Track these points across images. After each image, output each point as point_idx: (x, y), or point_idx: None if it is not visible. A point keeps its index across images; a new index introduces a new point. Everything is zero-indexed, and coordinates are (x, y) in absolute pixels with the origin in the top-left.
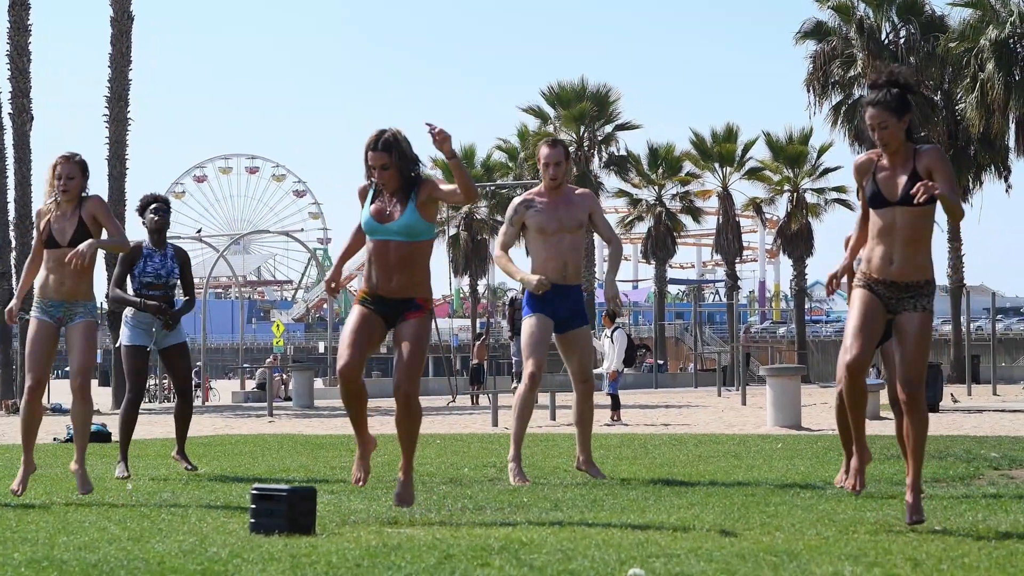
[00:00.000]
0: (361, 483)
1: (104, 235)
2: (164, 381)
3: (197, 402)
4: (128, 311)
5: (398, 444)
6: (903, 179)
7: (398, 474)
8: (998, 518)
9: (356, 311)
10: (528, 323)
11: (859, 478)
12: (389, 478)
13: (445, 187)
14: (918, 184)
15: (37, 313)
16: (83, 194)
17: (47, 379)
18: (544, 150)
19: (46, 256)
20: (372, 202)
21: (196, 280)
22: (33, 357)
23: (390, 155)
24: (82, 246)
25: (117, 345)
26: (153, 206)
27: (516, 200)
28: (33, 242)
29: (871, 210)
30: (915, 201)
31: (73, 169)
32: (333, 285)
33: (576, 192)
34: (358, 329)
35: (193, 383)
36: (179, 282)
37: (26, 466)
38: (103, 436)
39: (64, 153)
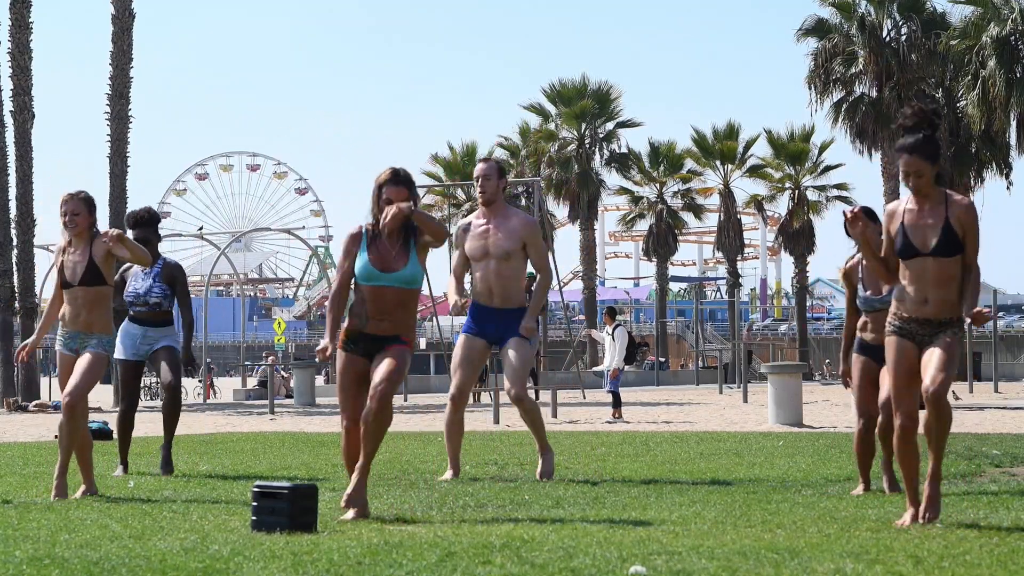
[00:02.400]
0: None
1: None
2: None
3: (198, 400)
4: (120, 329)
5: (397, 442)
6: (936, 231)
7: (355, 475)
8: (999, 515)
9: (342, 359)
10: (457, 342)
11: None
12: (390, 476)
13: (425, 236)
14: (973, 315)
15: (60, 346)
16: (94, 230)
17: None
18: (478, 166)
19: (63, 294)
20: (366, 249)
21: (197, 278)
22: (63, 387)
23: (410, 190)
24: (113, 231)
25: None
26: (134, 231)
27: (460, 223)
28: (53, 283)
29: (902, 260)
30: (973, 323)
31: (78, 205)
32: (328, 352)
33: (515, 219)
34: (355, 383)
35: (182, 383)
36: (164, 300)
37: (87, 486)
38: (104, 434)
39: (70, 191)
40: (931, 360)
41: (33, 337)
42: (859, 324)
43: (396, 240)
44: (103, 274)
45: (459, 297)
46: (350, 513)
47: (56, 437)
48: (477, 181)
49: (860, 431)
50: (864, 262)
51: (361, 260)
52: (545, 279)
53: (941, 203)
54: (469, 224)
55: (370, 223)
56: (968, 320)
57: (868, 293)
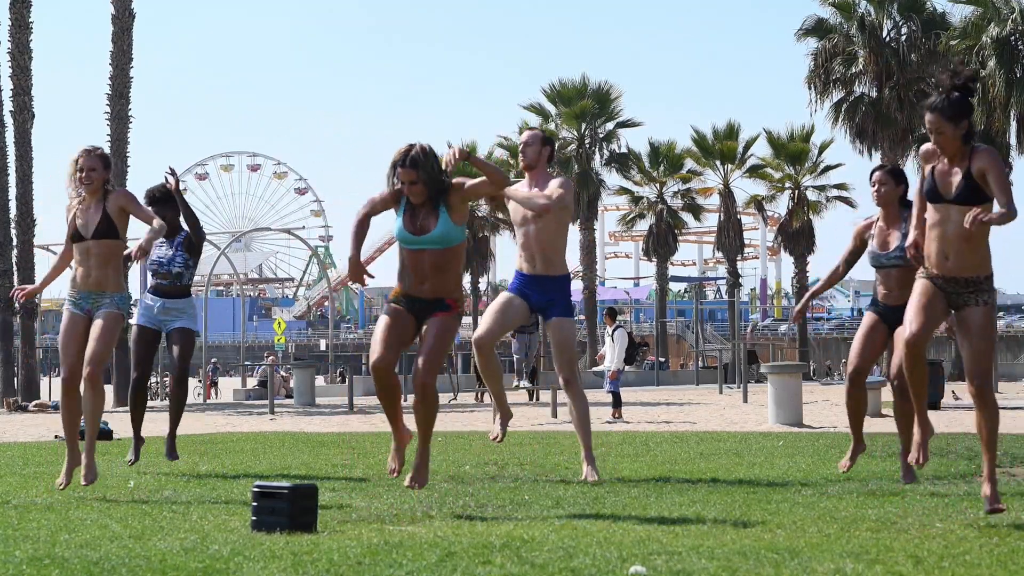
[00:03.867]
0: (395, 474)
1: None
2: (165, 379)
3: (199, 400)
4: (141, 298)
5: (388, 417)
6: (958, 178)
7: (414, 457)
8: (1000, 515)
9: (389, 309)
10: (498, 297)
11: (923, 451)
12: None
13: (472, 182)
14: (968, 215)
15: (68, 305)
16: (107, 187)
17: (80, 371)
18: (523, 134)
19: (74, 250)
20: (404, 211)
21: (198, 278)
22: (65, 350)
23: (417, 171)
24: (143, 244)
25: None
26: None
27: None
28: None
29: (929, 204)
30: (968, 227)
31: (95, 162)
32: (354, 279)
33: (553, 180)
34: (390, 327)
35: (188, 375)
36: (186, 271)
37: (70, 460)
38: (105, 434)
39: (85, 147)
40: (969, 347)
41: (35, 284)
42: (875, 286)
43: (423, 207)
44: (116, 228)
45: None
46: (408, 479)
47: (57, 437)
48: (520, 148)
49: (848, 388)
50: (877, 220)
51: (397, 223)
52: (544, 193)
53: (967, 157)
54: (515, 191)
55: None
56: (972, 215)
57: (877, 248)
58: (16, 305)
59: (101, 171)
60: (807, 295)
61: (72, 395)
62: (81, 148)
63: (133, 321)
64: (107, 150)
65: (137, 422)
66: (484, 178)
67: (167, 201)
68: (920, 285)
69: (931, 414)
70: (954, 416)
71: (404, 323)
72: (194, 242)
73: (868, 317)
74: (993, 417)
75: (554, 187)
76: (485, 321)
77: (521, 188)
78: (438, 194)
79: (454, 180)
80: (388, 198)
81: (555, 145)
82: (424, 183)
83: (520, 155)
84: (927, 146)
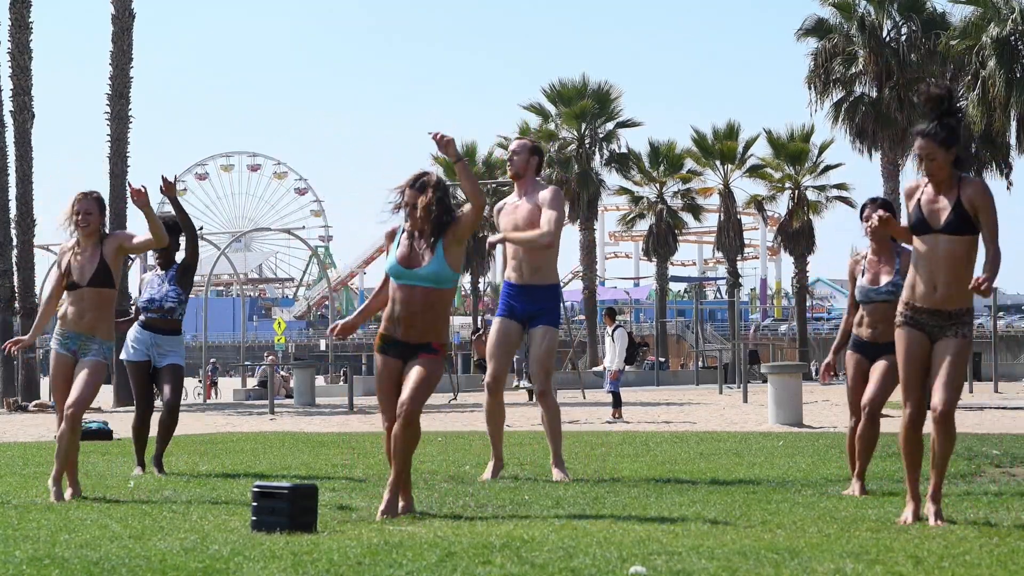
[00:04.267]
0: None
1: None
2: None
3: (199, 400)
4: (131, 332)
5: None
6: (947, 207)
7: (385, 489)
8: (999, 515)
9: (379, 362)
10: (492, 327)
11: (914, 516)
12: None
13: (462, 219)
14: (974, 282)
15: (56, 345)
16: (104, 231)
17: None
18: (512, 143)
19: (66, 295)
20: (398, 246)
21: (197, 278)
22: (57, 393)
23: (435, 198)
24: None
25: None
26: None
27: (496, 206)
28: (52, 280)
29: (914, 236)
30: (981, 294)
31: (91, 205)
32: (338, 332)
33: (543, 190)
34: (387, 385)
35: (182, 393)
36: (178, 306)
37: (73, 488)
38: (105, 434)
39: (82, 191)
40: (939, 372)
41: (28, 335)
42: (855, 319)
43: (424, 238)
44: (112, 275)
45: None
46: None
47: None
48: (509, 155)
49: (852, 428)
50: (867, 258)
51: (390, 258)
52: (541, 234)
53: (955, 186)
54: (504, 204)
55: (406, 224)
56: (975, 284)
57: (867, 284)
58: (13, 351)
59: (97, 215)
60: (832, 352)
61: (75, 429)
62: (78, 192)
63: (129, 358)
64: (107, 150)
65: (140, 453)
66: (468, 213)
67: (172, 233)
68: (905, 339)
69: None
70: (955, 416)
71: (395, 372)
72: (188, 264)
73: (852, 363)
74: (951, 441)
75: (547, 212)
76: (491, 361)
77: (507, 214)
78: (439, 229)
79: (457, 218)
80: (386, 246)
81: (544, 155)
82: (433, 212)
83: (508, 164)
84: (910, 184)
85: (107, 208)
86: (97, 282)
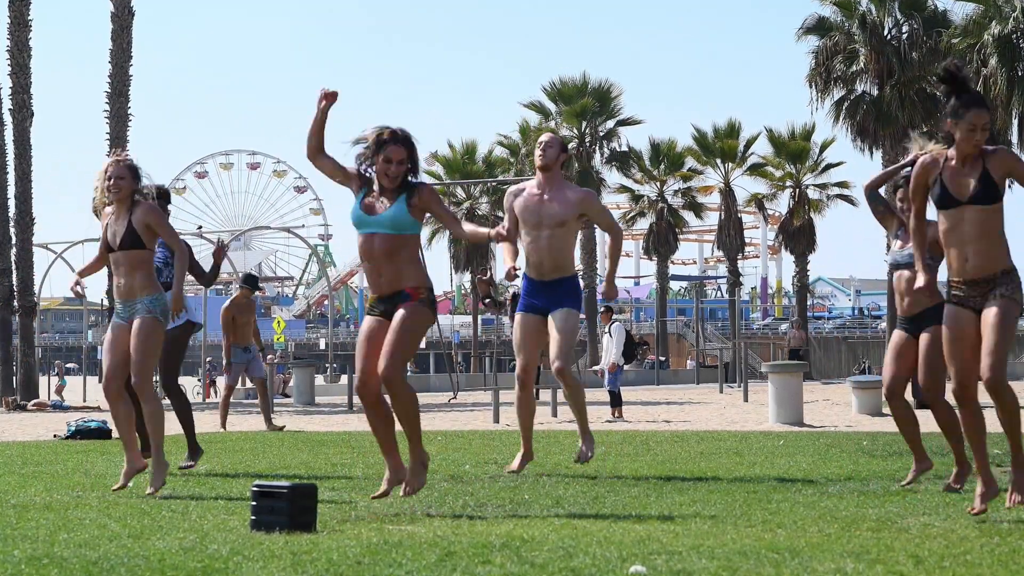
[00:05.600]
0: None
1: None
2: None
3: (197, 399)
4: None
5: (397, 440)
6: (974, 179)
7: (409, 463)
8: (1000, 515)
9: (365, 322)
10: (515, 322)
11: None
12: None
13: (441, 208)
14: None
15: (114, 318)
16: (136, 198)
17: (117, 377)
18: (543, 135)
19: (110, 258)
20: (362, 197)
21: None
22: (104, 358)
23: (408, 152)
24: (175, 301)
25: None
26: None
27: (512, 189)
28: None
29: (939, 211)
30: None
31: (122, 170)
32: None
33: (571, 189)
34: (366, 341)
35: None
36: (164, 265)
37: (128, 463)
38: (104, 433)
39: (116, 156)
40: (984, 338)
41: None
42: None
43: (384, 193)
44: (143, 239)
45: (514, 264)
46: (403, 490)
47: (56, 437)
48: (539, 147)
49: (892, 409)
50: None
51: (353, 207)
52: (616, 238)
53: (980, 156)
54: (522, 190)
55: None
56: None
57: (898, 245)
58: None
59: (129, 180)
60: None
61: (115, 401)
62: (113, 157)
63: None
64: (106, 148)
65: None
66: (451, 220)
67: (161, 198)
68: (952, 319)
69: (922, 414)
70: (955, 417)
71: (380, 331)
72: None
73: (895, 336)
74: (1011, 407)
75: (604, 216)
76: (520, 355)
77: (529, 208)
78: (405, 184)
79: (425, 185)
80: (352, 175)
81: (569, 156)
82: (409, 167)
83: (539, 154)
84: (924, 159)
85: (140, 175)
86: (127, 245)
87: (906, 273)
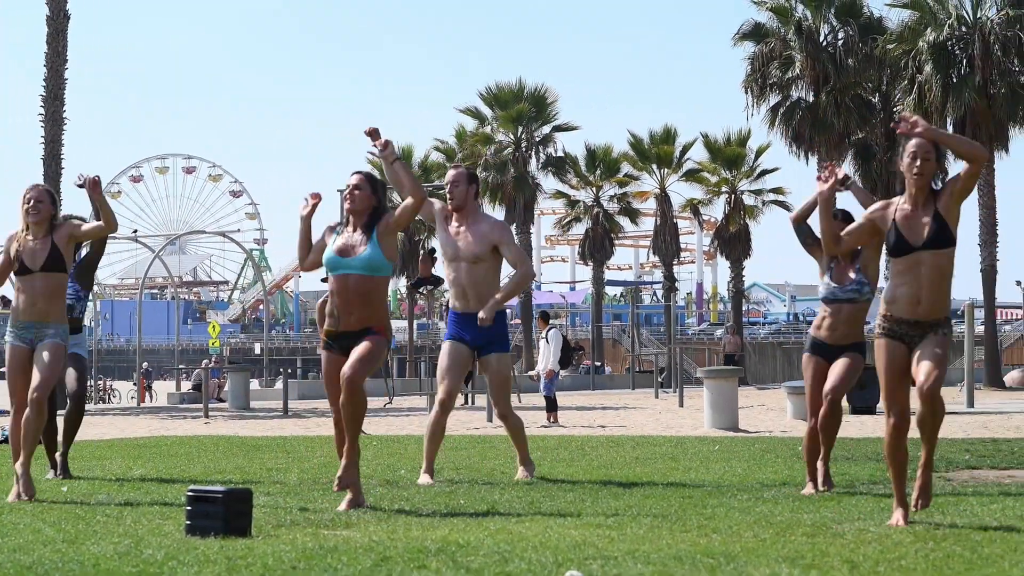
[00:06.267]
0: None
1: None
2: (99, 382)
3: (133, 404)
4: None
5: (336, 446)
6: (927, 222)
7: (343, 458)
8: (935, 520)
9: (324, 358)
10: (442, 349)
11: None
12: (325, 480)
13: (399, 210)
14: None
15: (11, 339)
16: (54, 222)
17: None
18: (448, 172)
19: (16, 282)
20: (336, 240)
21: (132, 280)
22: (12, 386)
23: (367, 181)
24: (90, 176)
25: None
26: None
27: (438, 205)
28: None
29: (893, 257)
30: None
31: (42, 194)
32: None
33: (484, 224)
34: (333, 378)
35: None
36: (77, 303)
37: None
38: None
39: (33, 183)
40: (924, 357)
41: None
42: (815, 322)
43: (356, 232)
44: (64, 261)
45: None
46: (343, 503)
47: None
48: (446, 187)
49: (811, 429)
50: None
51: (328, 251)
52: (522, 272)
53: (931, 200)
54: (449, 216)
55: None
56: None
57: (832, 283)
58: None
59: (48, 204)
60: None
61: (39, 416)
62: (31, 183)
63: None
64: (41, 152)
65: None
66: (407, 202)
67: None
68: (885, 350)
69: (867, 419)
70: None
71: (340, 366)
72: (91, 261)
73: (811, 365)
74: (939, 415)
75: (510, 251)
76: (444, 382)
77: (447, 242)
78: (374, 219)
79: (387, 215)
80: (320, 243)
81: (479, 181)
82: (369, 193)
83: (448, 196)
84: (876, 206)
85: (58, 201)
86: (49, 267)
87: (845, 308)
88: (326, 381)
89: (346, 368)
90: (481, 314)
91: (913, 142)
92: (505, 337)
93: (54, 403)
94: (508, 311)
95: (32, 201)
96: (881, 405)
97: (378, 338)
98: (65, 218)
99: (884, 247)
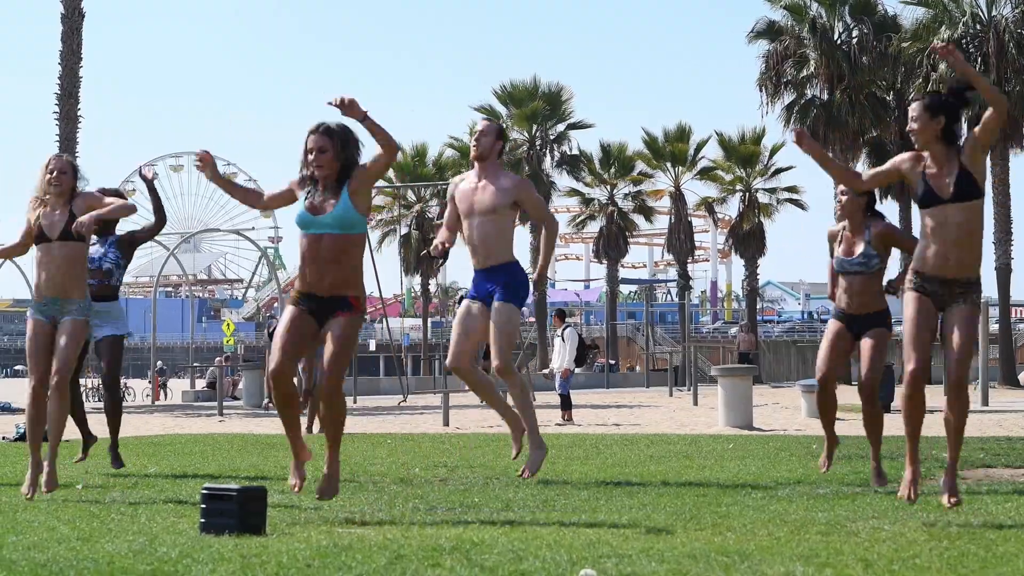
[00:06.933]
0: (297, 489)
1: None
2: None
3: (147, 401)
4: None
5: (346, 444)
6: (951, 178)
7: (324, 467)
8: (949, 519)
9: (288, 312)
10: (458, 310)
11: (913, 488)
12: (340, 477)
13: (369, 162)
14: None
15: (33, 312)
16: (74, 194)
17: (48, 378)
18: (479, 123)
19: (36, 251)
20: (306, 198)
21: (146, 279)
22: (33, 359)
23: (331, 139)
24: (83, 217)
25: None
26: None
27: (454, 178)
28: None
29: (922, 210)
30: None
31: (64, 165)
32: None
33: (506, 177)
34: (289, 331)
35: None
36: (116, 269)
37: (33, 468)
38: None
39: (56, 153)
40: (951, 342)
41: None
42: (839, 292)
43: (326, 189)
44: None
45: (444, 241)
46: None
47: (3, 438)
48: (473, 136)
49: (818, 393)
50: (845, 229)
51: (298, 209)
52: (550, 229)
53: (955, 156)
54: (462, 179)
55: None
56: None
57: (841, 254)
58: None
59: (70, 175)
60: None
61: (39, 403)
62: (52, 154)
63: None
64: (56, 150)
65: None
66: (378, 154)
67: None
68: (914, 301)
69: (884, 416)
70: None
71: (304, 325)
72: (138, 238)
73: (832, 325)
74: (964, 410)
75: (534, 204)
76: (452, 342)
77: (465, 196)
78: (344, 174)
79: (360, 165)
80: (295, 185)
81: (507, 140)
82: (334, 154)
83: (473, 143)
84: (914, 153)
85: (79, 174)
86: (66, 235)
87: (856, 280)
88: (283, 335)
89: (326, 379)
90: (536, 282)
91: (911, 107)
92: (514, 285)
93: (77, 383)
94: (520, 264)
95: (56, 172)
96: (898, 402)
97: (352, 318)
98: (103, 191)
99: (912, 199)
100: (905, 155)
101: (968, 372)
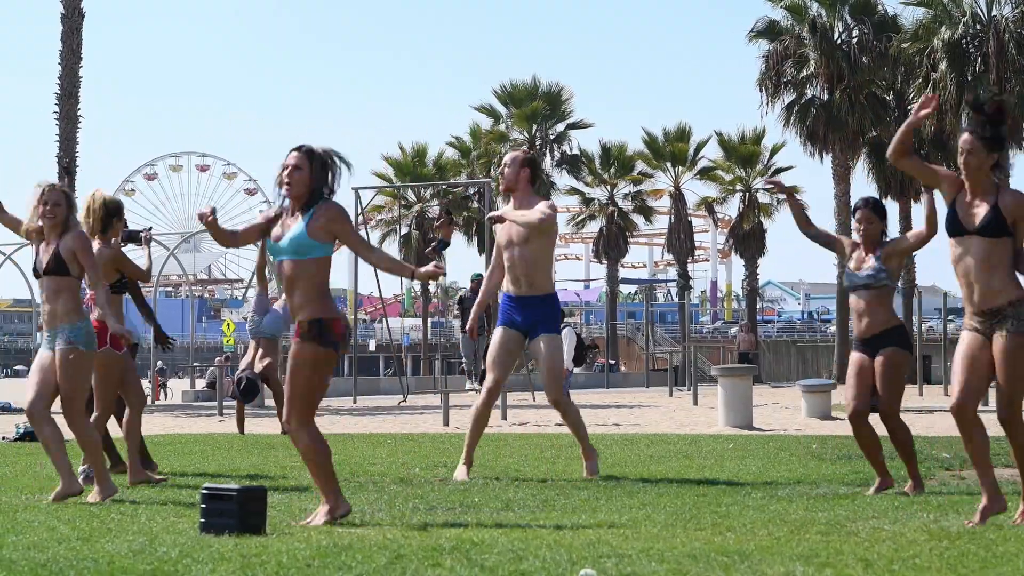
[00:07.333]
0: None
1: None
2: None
3: (148, 401)
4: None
5: (346, 444)
6: (983, 209)
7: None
8: (949, 519)
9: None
10: (494, 336)
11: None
12: (339, 477)
13: (355, 237)
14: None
15: (43, 345)
16: (68, 225)
17: (36, 405)
18: (504, 158)
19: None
20: (277, 227)
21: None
22: (27, 382)
23: (309, 160)
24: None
25: None
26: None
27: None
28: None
29: (950, 238)
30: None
31: (59, 197)
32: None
33: (535, 200)
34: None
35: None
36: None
37: (62, 485)
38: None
39: (51, 181)
40: (997, 374)
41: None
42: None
43: (297, 209)
44: (66, 264)
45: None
46: (319, 516)
47: (3, 438)
48: (500, 170)
49: (854, 430)
50: (859, 247)
51: (270, 239)
52: (540, 217)
53: (993, 192)
54: (503, 212)
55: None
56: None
57: (852, 266)
58: None
59: (64, 208)
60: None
61: (39, 424)
62: (46, 182)
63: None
64: (56, 150)
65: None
66: (371, 252)
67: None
68: (964, 342)
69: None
70: (904, 420)
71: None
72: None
73: (853, 357)
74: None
75: (543, 207)
76: (493, 369)
77: (503, 229)
78: (313, 200)
79: (334, 205)
80: (271, 217)
81: (537, 166)
82: (308, 175)
83: (499, 176)
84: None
85: (74, 205)
86: (51, 271)
87: (864, 295)
88: None
89: (287, 422)
90: (490, 215)
91: (961, 138)
92: (555, 318)
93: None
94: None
95: (49, 204)
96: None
97: (297, 346)
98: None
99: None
100: (952, 175)
101: (1017, 408)
